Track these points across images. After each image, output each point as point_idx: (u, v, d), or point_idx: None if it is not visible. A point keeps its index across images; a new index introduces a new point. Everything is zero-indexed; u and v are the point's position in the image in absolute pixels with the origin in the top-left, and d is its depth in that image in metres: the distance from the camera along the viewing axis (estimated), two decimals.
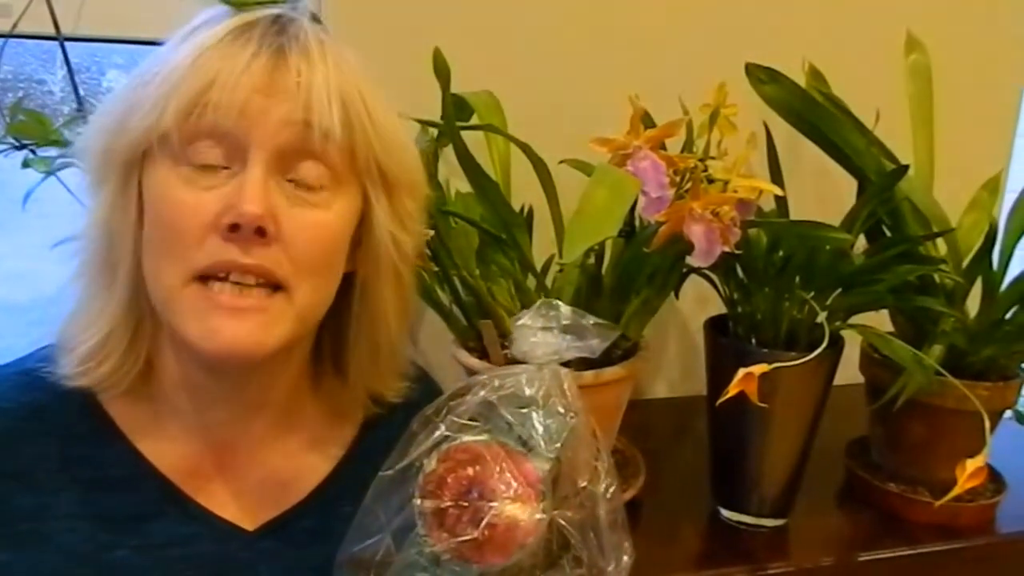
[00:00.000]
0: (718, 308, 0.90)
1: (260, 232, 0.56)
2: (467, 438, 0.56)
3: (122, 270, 0.60)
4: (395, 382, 0.70)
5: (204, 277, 0.56)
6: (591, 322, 0.59)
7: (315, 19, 0.61)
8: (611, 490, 0.59)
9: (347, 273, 0.64)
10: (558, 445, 0.56)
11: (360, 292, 0.65)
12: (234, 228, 0.55)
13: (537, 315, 0.59)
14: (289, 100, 0.57)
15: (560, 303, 0.60)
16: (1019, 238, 0.90)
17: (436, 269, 0.81)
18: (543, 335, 0.59)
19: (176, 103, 0.55)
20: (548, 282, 0.85)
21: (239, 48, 0.57)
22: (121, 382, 0.61)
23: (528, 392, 0.57)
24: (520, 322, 0.60)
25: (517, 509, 0.54)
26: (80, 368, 0.61)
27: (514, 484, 0.54)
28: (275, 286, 0.58)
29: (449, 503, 0.55)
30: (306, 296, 0.59)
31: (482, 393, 0.58)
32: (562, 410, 0.57)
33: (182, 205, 0.56)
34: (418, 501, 0.55)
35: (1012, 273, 0.89)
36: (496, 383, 0.58)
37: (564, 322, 0.59)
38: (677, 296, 0.99)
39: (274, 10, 0.60)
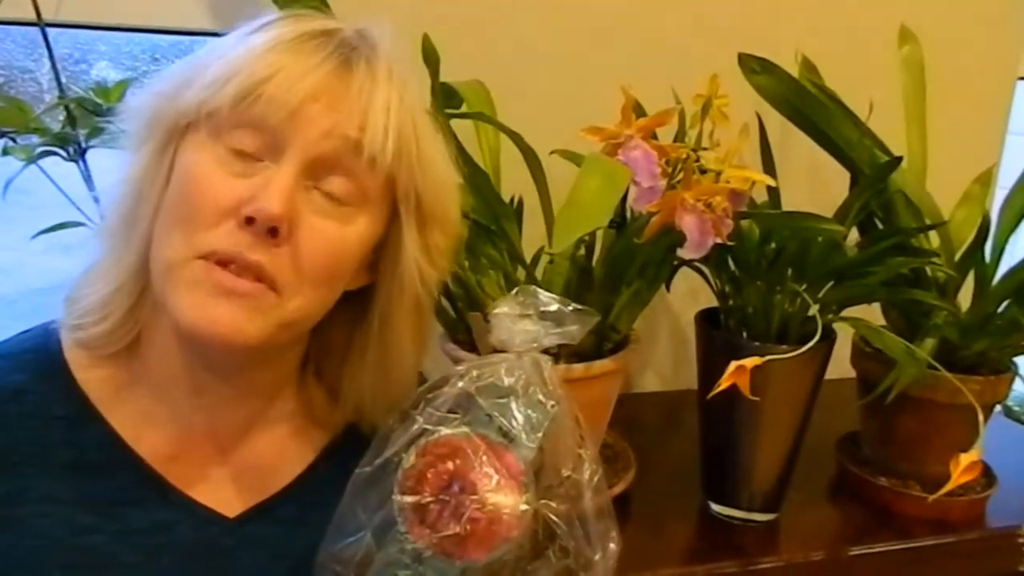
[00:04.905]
0: (709, 301, 0.90)
1: (273, 232, 0.56)
2: (446, 431, 0.55)
3: (138, 230, 0.60)
4: (387, 414, 0.64)
5: (207, 258, 0.56)
6: (570, 308, 0.58)
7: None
8: (596, 478, 0.57)
9: (355, 291, 0.63)
10: (540, 435, 0.55)
11: (380, 317, 0.64)
12: (250, 221, 0.55)
13: (515, 302, 0.58)
14: (342, 113, 0.57)
15: (538, 289, 0.59)
16: (1011, 232, 0.90)
17: None
18: (522, 323, 0.57)
19: (234, 85, 0.56)
20: (538, 274, 0.84)
21: (310, 51, 0.57)
22: (111, 346, 0.62)
23: (507, 382, 0.56)
24: (498, 310, 0.58)
25: (499, 502, 0.53)
26: (80, 321, 0.61)
27: (495, 477, 0.53)
28: (271, 286, 0.57)
29: (430, 498, 0.54)
30: (298, 306, 0.58)
31: (460, 384, 0.56)
32: (543, 399, 0.56)
33: (208, 184, 0.56)
34: (398, 497, 0.54)
35: (1004, 267, 0.89)
36: (475, 373, 0.57)
37: (543, 309, 0.58)
38: (668, 288, 0.98)
39: (359, 27, 0.61)
